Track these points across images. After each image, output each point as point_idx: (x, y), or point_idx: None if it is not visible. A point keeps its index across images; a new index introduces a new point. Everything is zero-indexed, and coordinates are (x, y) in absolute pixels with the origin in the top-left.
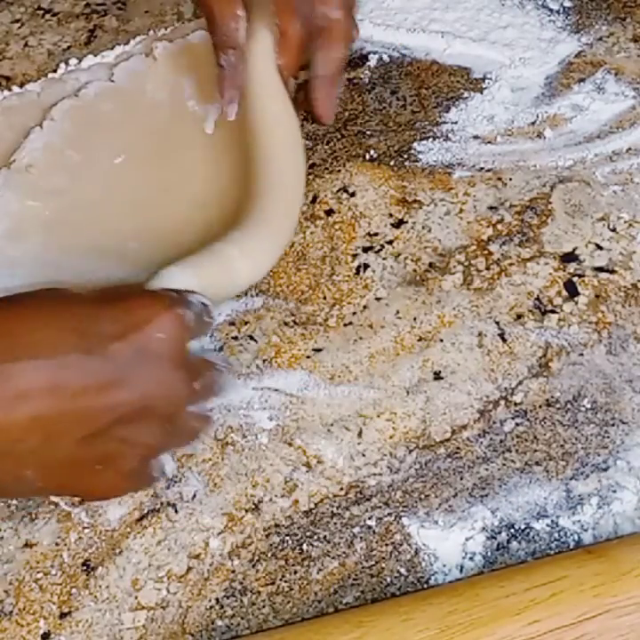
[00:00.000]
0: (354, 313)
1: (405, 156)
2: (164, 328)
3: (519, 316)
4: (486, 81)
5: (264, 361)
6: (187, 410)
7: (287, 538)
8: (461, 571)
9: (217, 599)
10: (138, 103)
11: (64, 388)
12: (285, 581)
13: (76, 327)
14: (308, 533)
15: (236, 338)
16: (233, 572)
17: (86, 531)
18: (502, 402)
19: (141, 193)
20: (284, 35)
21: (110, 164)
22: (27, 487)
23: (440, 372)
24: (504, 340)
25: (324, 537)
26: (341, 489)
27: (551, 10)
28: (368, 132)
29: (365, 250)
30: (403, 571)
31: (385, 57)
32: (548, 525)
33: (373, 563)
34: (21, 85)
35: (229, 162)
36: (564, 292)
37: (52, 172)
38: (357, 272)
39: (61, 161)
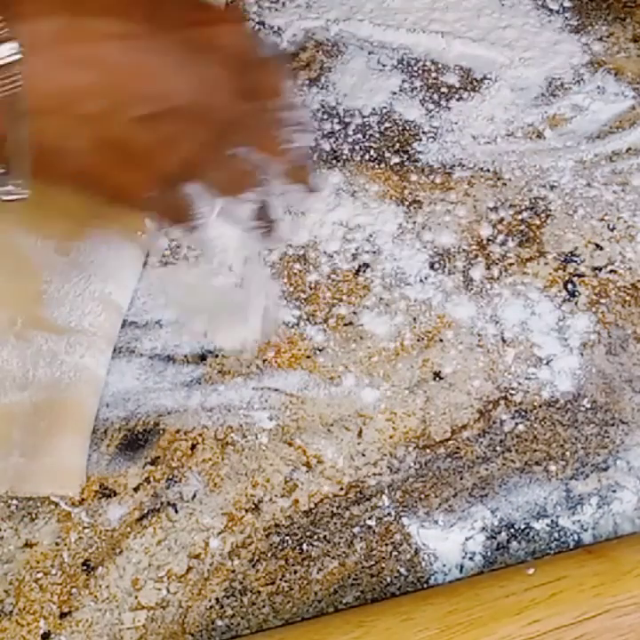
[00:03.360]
0: (354, 313)
1: (405, 156)
2: (235, 36)
3: (519, 316)
4: (486, 81)
5: (264, 361)
6: (239, 153)
7: (287, 538)
8: (461, 570)
9: (217, 599)
10: None
11: (130, 60)
12: (285, 581)
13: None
14: (308, 533)
15: None
16: (233, 571)
17: (86, 530)
18: (502, 402)
19: None
20: None
21: None
22: (71, 159)
23: (440, 371)
24: (504, 340)
25: (324, 537)
26: (341, 489)
27: (551, 10)
28: (368, 132)
29: (366, 250)
30: (403, 570)
31: (383, 57)
32: (547, 525)
33: (373, 562)
34: None
35: None
36: (564, 292)
37: None
38: (357, 272)
39: None
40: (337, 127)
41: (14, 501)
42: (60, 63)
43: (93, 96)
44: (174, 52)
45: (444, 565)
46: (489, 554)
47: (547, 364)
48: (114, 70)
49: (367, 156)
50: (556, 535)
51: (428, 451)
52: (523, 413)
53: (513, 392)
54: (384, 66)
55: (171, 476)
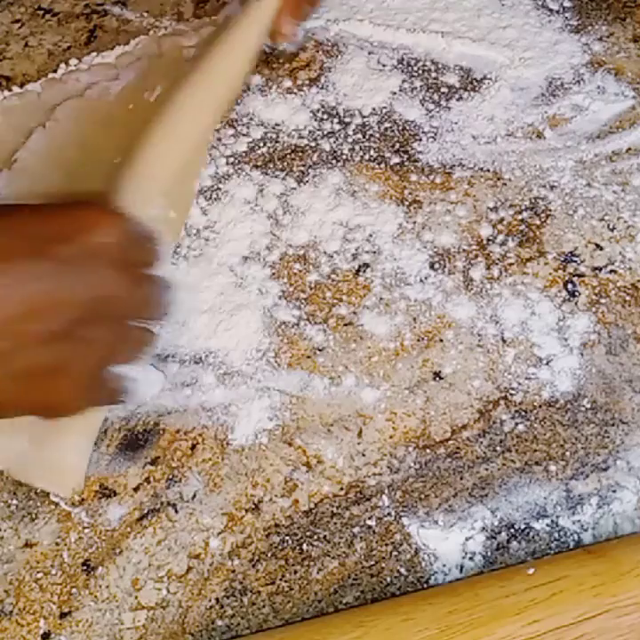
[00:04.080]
0: (354, 313)
1: (405, 156)
2: (110, 233)
3: (519, 316)
4: (486, 81)
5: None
6: (133, 321)
7: (287, 538)
8: (461, 571)
9: (217, 599)
10: (142, 103)
11: (13, 293)
12: (285, 581)
13: (24, 232)
14: (308, 533)
15: None
16: (233, 571)
17: (86, 530)
18: (502, 402)
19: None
20: None
21: (112, 164)
22: None
23: (440, 371)
24: (504, 341)
25: (324, 537)
26: (341, 489)
27: (551, 10)
28: (368, 132)
29: (366, 250)
30: (403, 570)
31: (383, 57)
32: (547, 525)
33: (373, 562)
34: (21, 85)
35: None
36: (564, 292)
37: (54, 173)
38: (357, 272)
39: (64, 161)
40: (337, 127)
41: (14, 501)
42: None
43: None
44: (59, 268)
45: (444, 565)
46: (489, 554)
47: (547, 364)
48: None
49: (367, 156)
50: (556, 535)
51: (428, 451)
52: (523, 413)
53: (513, 392)
54: (384, 66)
55: (171, 476)
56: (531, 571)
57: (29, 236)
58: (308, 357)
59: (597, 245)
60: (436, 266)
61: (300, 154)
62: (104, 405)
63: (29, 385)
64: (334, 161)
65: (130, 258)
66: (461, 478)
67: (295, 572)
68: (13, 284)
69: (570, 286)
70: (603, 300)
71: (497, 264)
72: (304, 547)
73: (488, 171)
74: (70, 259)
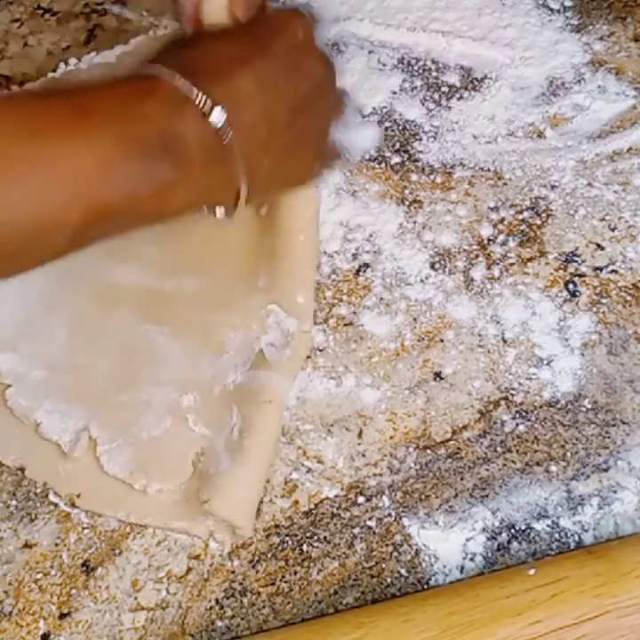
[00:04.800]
0: (354, 313)
1: (406, 156)
2: (300, 27)
3: (520, 316)
4: (487, 81)
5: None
6: (332, 88)
7: (287, 538)
8: (462, 571)
9: (217, 600)
10: None
11: (266, 86)
12: (285, 582)
13: (247, 42)
14: (308, 534)
15: None
16: (233, 572)
17: (86, 531)
18: (503, 402)
19: None
20: None
21: None
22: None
23: (440, 372)
24: (505, 341)
25: (325, 537)
26: (341, 489)
27: (552, 9)
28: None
29: (366, 250)
30: (403, 571)
31: (384, 56)
32: (548, 526)
33: (374, 563)
34: (21, 85)
35: None
36: (565, 292)
37: None
38: (358, 272)
39: None
40: None
41: (14, 502)
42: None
43: (261, 124)
44: (283, 58)
45: (445, 566)
46: (489, 554)
47: (547, 364)
48: (263, 104)
49: (367, 156)
50: (556, 536)
51: (428, 451)
52: (523, 414)
53: (514, 392)
54: (384, 65)
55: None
56: (531, 571)
57: (250, 44)
58: (308, 357)
59: (598, 245)
60: (437, 266)
61: None
62: (333, 167)
63: (282, 161)
64: None
65: (314, 40)
66: (462, 479)
67: (295, 573)
68: (263, 82)
69: (571, 286)
70: (604, 300)
71: (498, 264)
72: (304, 547)
73: (489, 170)
74: (283, 53)
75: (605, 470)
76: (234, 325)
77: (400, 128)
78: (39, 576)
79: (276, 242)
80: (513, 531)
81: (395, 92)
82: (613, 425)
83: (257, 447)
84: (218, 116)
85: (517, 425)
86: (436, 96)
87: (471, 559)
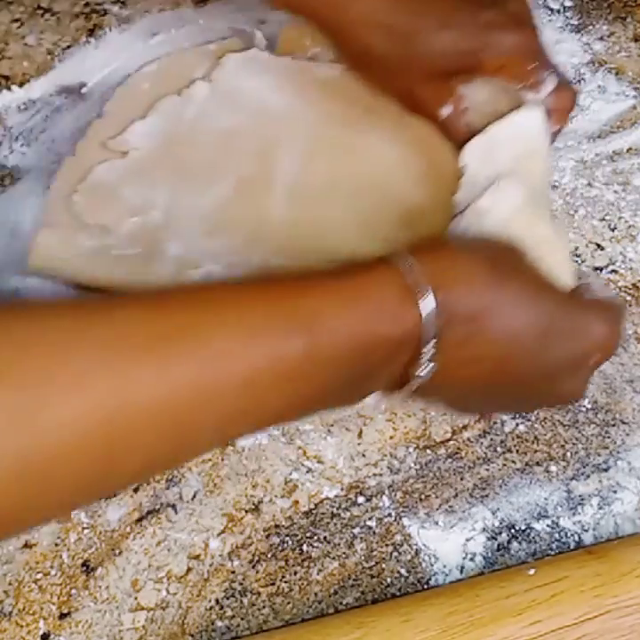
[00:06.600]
0: None
1: None
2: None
3: None
4: None
5: None
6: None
7: (287, 538)
8: (462, 571)
9: (217, 600)
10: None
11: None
12: (285, 582)
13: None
14: (308, 534)
15: None
16: (233, 572)
17: (86, 531)
18: None
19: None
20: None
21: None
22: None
23: None
24: None
25: (325, 537)
26: (341, 489)
27: (552, 9)
28: None
29: None
30: (403, 571)
31: None
32: (548, 526)
33: (374, 563)
34: (21, 85)
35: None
36: None
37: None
38: None
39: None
40: None
41: None
42: None
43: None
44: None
45: (445, 566)
46: (489, 554)
47: None
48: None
49: None
50: (556, 536)
51: (428, 451)
52: (523, 414)
53: None
54: None
55: (170, 477)
56: (531, 571)
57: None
58: None
59: (598, 245)
60: None
61: None
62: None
63: (556, 377)
64: None
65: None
66: (462, 479)
67: (295, 573)
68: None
69: None
70: None
71: None
72: (304, 547)
73: None
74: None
75: (605, 470)
76: None
77: None
78: (39, 576)
79: None
80: (513, 531)
81: None
82: (613, 425)
83: None
84: (428, 349)
85: (517, 425)
86: None
87: (471, 559)
